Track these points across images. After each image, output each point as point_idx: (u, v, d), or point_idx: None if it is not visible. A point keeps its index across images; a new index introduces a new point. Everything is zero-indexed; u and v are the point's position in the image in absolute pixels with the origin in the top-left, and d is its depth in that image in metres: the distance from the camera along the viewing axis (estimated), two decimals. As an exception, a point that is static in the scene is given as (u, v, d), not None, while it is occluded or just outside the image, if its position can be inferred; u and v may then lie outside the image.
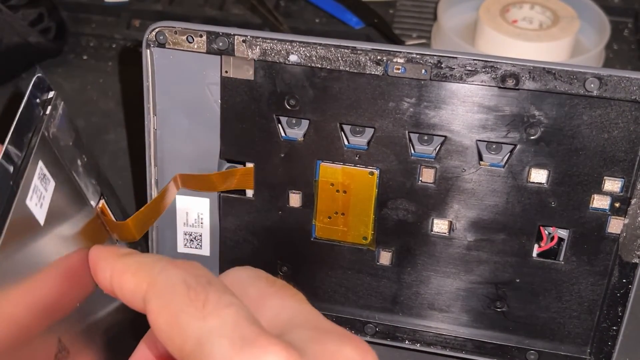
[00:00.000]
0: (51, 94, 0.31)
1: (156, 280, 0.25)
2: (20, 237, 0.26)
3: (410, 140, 0.38)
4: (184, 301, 0.23)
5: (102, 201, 0.34)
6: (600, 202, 0.37)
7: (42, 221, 0.28)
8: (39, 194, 0.28)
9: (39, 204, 0.28)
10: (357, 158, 0.39)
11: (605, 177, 0.37)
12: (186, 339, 0.23)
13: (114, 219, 0.35)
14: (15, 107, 0.58)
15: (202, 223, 0.42)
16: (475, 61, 0.35)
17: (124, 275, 0.26)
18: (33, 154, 0.27)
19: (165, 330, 0.24)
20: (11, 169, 0.26)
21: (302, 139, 0.39)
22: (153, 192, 0.41)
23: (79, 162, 0.32)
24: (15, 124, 0.28)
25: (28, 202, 0.27)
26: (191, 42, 0.37)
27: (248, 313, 0.24)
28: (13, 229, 0.25)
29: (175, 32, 0.37)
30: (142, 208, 0.38)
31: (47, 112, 0.30)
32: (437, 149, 0.38)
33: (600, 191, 0.37)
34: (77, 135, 0.33)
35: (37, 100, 0.30)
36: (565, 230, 0.39)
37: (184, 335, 0.23)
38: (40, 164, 0.28)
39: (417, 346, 0.42)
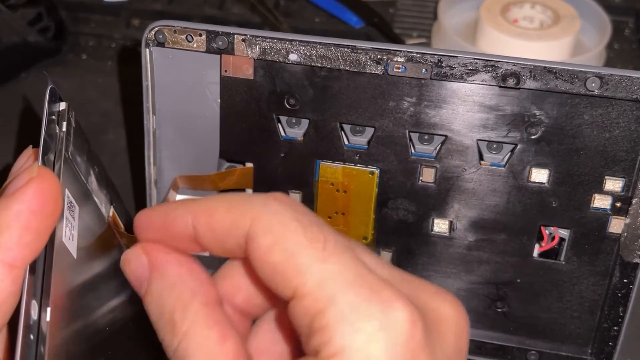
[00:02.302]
0: (63, 106, 0.30)
1: (261, 215, 0.23)
2: (61, 277, 0.26)
3: (410, 139, 0.38)
4: (301, 241, 0.23)
5: (112, 210, 0.34)
6: (601, 202, 0.37)
7: (75, 254, 0.28)
8: (70, 226, 0.27)
9: (71, 237, 0.27)
10: (357, 158, 0.39)
11: (606, 177, 0.37)
12: (305, 280, 0.22)
13: (123, 228, 0.34)
14: (14, 107, 0.58)
15: (201, 223, 0.42)
16: (475, 60, 0.35)
17: (214, 214, 0.25)
18: (61, 183, 0.26)
19: (279, 268, 0.23)
20: None
21: (302, 138, 0.39)
22: (152, 192, 0.41)
23: (92, 173, 0.32)
24: (42, 153, 0.27)
25: (64, 239, 0.26)
26: (190, 41, 0.37)
27: (360, 259, 0.23)
28: (57, 278, 0.25)
29: (175, 31, 0.37)
30: None
31: (64, 129, 0.29)
32: (438, 148, 0.38)
33: (601, 191, 0.37)
34: (89, 145, 0.33)
35: (54, 117, 0.29)
36: (566, 230, 0.38)
37: (303, 277, 0.23)
38: (67, 192, 0.27)
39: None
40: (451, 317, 0.24)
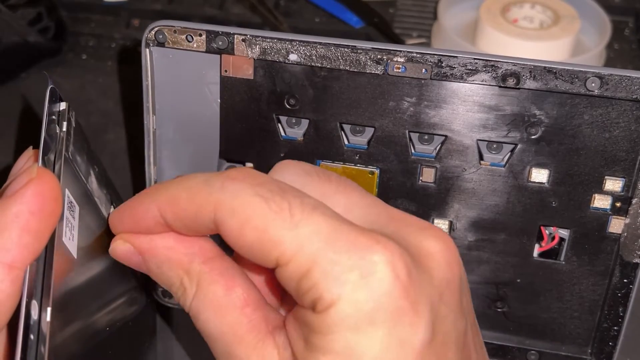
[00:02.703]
0: (63, 106, 0.30)
1: (222, 199, 0.24)
2: (61, 277, 0.26)
3: (410, 139, 0.38)
4: (268, 214, 0.23)
5: (112, 209, 0.34)
6: (601, 202, 0.37)
7: (75, 254, 0.28)
8: (70, 226, 0.27)
9: (71, 237, 0.27)
10: (357, 158, 0.39)
11: (606, 177, 0.37)
12: (283, 250, 0.23)
13: None
14: (14, 107, 0.58)
15: (201, 223, 0.42)
16: (475, 60, 0.35)
17: (177, 204, 0.25)
18: (61, 183, 0.26)
19: (256, 246, 0.24)
20: None
21: (302, 138, 0.39)
22: (152, 192, 0.41)
23: (92, 173, 0.32)
24: (42, 153, 0.27)
25: (64, 239, 0.26)
26: (190, 41, 0.37)
27: (331, 211, 0.24)
28: (57, 278, 0.25)
29: (175, 31, 0.37)
30: None
31: (64, 128, 0.29)
32: (438, 148, 0.38)
33: (601, 191, 0.37)
34: (89, 145, 0.33)
35: (54, 117, 0.29)
36: (566, 230, 0.38)
37: (280, 247, 0.23)
38: (67, 192, 0.27)
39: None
40: (437, 250, 0.25)
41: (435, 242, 0.25)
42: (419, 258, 0.24)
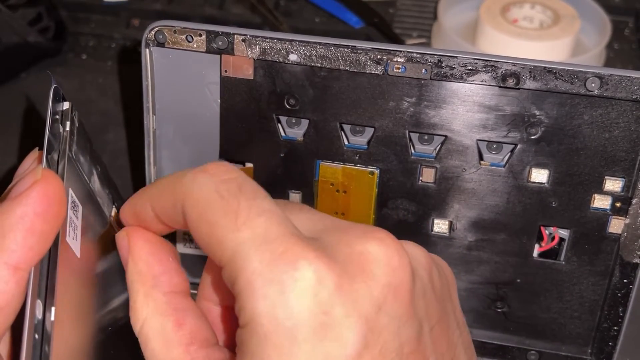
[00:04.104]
0: (66, 105, 0.30)
1: (190, 190, 0.25)
2: (64, 277, 0.26)
3: (410, 139, 0.38)
4: (219, 213, 0.24)
5: (114, 209, 0.34)
6: (601, 202, 0.37)
7: (78, 253, 0.28)
8: (74, 226, 0.27)
9: (74, 237, 0.27)
10: (357, 158, 0.39)
11: (606, 177, 0.37)
12: (224, 251, 0.23)
13: None
14: (14, 107, 0.58)
15: (201, 223, 0.42)
16: (475, 60, 0.35)
17: (161, 197, 0.26)
18: (65, 183, 0.27)
19: (206, 241, 0.24)
20: None
21: (302, 138, 0.39)
22: (152, 192, 0.41)
23: (94, 173, 0.32)
24: (45, 152, 0.27)
25: (67, 239, 0.26)
26: (190, 42, 0.37)
27: (280, 218, 0.24)
28: (61, 278, 0.25)
29: (175, 32, 0.37)
30: None
31: (67, 128, 0.29)
32: (438, 148, 0.38)
33: (601, 191, 0.37)
34: (91, 145, 0.33)
35: (57, 116, 0.29)
36: (566, 230, 0.38)
37: (222, 247, 0.23)
38: (71, 192, 0.27)
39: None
40: (380, 256, 0.24)
41: (379, 246, 0.24)
42: (358, 265, 0.23)
